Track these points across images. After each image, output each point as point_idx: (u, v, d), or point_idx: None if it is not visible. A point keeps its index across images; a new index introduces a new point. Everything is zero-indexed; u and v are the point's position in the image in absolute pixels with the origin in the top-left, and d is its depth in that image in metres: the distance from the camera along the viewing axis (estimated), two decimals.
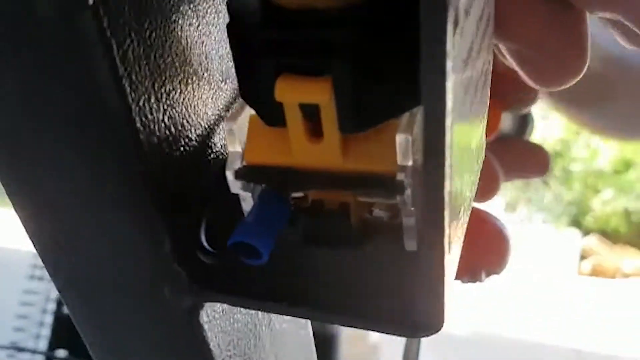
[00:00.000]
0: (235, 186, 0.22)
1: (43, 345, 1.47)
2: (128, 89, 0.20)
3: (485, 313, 3.15)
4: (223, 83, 0.25)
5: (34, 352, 1.46)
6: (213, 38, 0.24)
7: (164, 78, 0.22)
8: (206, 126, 0.25)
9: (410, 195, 0.20)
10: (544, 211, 5.34)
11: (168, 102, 0.22)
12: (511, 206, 5.22)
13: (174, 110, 0.22)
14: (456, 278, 0.41)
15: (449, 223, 0.19)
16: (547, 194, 5.48)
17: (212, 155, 0.25)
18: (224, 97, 0.26)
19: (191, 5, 0.23)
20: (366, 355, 1.66)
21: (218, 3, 0.24)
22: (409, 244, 0.22)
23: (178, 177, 0.23)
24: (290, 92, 0.19)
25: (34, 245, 0.25)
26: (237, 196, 0.23)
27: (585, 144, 5.37)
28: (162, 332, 0.26)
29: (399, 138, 0.20)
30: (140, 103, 0.21)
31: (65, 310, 0.29)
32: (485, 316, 3.13)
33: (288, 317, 0.34)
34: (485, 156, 0.29)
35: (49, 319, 1.50)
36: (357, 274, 0.24)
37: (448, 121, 0.17)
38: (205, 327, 0.26)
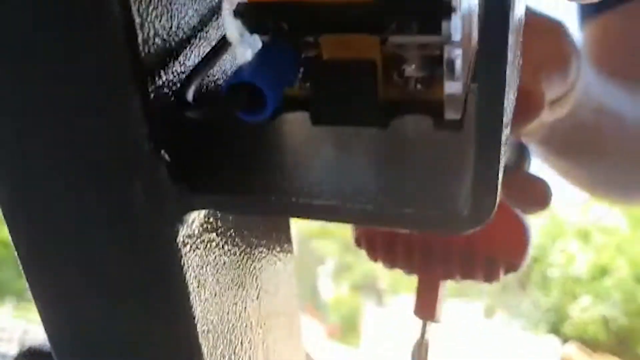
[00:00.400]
0: (232, 29, 0.17)
1: None
2: None
3: None
4: None
5: None
6: None
7: None
8: None
9: (460, 23, 0.16)
10: (523, 317, 5.26)
11: None
12: (489, 312, 5.15)
13: None
14: (469, 277, 0.36)
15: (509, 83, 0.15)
16: (525, 299, 5.43)
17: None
18: None
19: None
20: None
21: None
22: (450, 112, 0.18)
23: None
24: None
25: None
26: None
27: (562, 249, 5.38)
28: (125, 256, 0.21)
29: None
30: None
31: None
32: None
33: (282, 290, 0.28)
34: None
35: None
36: (378, 160, 0.19)
37: None
38: (184, 253, 0.21)
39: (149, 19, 0.18)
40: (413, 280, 0.37)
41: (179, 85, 0.19)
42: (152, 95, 0.18)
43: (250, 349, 0.26)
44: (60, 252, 0.21)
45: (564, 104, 0.40)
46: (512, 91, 0.17)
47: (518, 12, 0.15)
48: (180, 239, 0.20)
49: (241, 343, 0.25)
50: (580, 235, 5.32)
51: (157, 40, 0.18)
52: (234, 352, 0.24)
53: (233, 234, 0.23)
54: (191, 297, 0.21)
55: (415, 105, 0.18)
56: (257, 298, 0.26)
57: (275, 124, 0.21)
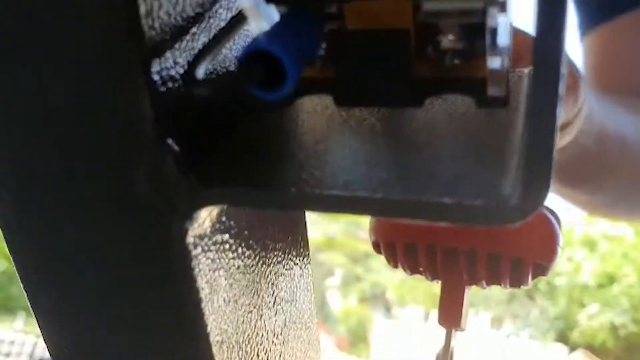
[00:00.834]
0: None
1: None
2: None
3: None
4: None
5: None
6: None
7: None
8: None
9: None
10: (531, 326, 5.24)
11: None
12: (497, 322, 5.12)
13: None
14: (495, 282, 0.34)
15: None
16: (532, 309, 5.41)
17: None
18: None
19: None
20: None
21: None
22: (494, 88, 0.16)
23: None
24: None
25: None
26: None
27: (568, 258, 5.36)
28: (130, 258, 0.19)
29: None
30: None
31: None
32: None
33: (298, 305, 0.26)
34: None
35: None
36: (412, 145, 0.17)
37: None
38: (195, 255, 0.18)
39: None
40: (421, 291, 0.35)
41: (187, 65, 0.17)
42: (157, 76, 0.16)
43: None
44: (60, 254, 0.19)
45: (572, 129, 0.39)
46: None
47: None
48: (190, 239, 0.18)
49: (257, 355, 0.23)
50: (587, 244, 5.31)
51: (161, 14, 0.16)
52: None
53: (247, 235, 0.21)
54: (203, 304, 0.19)
55: (453, 82, 0.16)
56: (274, 305, 0.24)
57: (293, 108, 0.19)
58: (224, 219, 0.20)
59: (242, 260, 0.21)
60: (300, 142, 0.18)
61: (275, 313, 0.24)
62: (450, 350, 0.35)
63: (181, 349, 0.19)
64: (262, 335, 0.23)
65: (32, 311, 0.20)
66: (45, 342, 0.21)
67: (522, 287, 0.33)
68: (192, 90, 0.16)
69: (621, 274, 5.23)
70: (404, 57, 0.16)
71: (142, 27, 0.16)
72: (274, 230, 0.24)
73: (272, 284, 0.24)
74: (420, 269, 0.34)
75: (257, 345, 0.23)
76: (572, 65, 0.35)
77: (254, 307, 0.23)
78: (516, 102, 0.17)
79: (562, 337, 5.22)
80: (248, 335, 0.22)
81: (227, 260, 0.20)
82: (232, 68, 0.15)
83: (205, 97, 0.16)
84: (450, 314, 0.35)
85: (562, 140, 0.40)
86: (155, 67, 0.16)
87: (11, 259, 0.19)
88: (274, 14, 0.16)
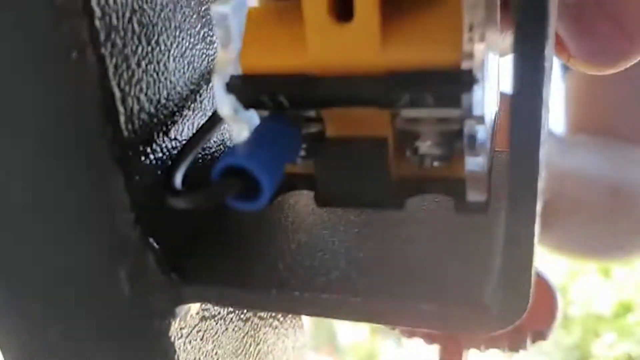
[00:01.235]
0: (225, 105, 0.15)
1: None
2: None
3: None
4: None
5: None
6: None
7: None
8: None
9: (481, 95, 0.14)
10: (544, 356, 5.16)
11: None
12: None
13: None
14: (494, 347, 0.34)
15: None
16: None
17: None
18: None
19: None
20: None
21: None
22: (473, 193, 0.16)
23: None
24: None
25: None
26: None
27: (583, 287, 5.30)
28: (113, 353, 0.19)
29: (467, 12, 0.14)
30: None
31: None
32: None
33: None
34: None
35: None
36: (392, 245, 0.17)
37: None
38: (177, 347, 0.18)
39: (132, 93, 0.16)
40: None
41: (169, 163, 0.17)
42: (137, 176, 0.16)
43: None
44: (45, 351, 0.19)
45: None
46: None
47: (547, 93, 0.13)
48: (172, 332, 0.18)
49: None
50: (601, 272, 5.24)
51: (142, 115, 0.16)
52: None
53: (234, 318, 0.21)
54: None
55: (433, 184, 0.16)
56: None
57: (276, 203, 0.19)
58: (209, 306, 0.20)
59: (230, 344, 0.21)
60: (282, 238, 0.18)
61: None
62: None
63: None
64: None
65: None
66: None
67: (521, 352, 0.33)
68: (170, 202, 0.16)
69: (637, 303, 5.15)
70: (381, 164, 0.16)
71: (122, 131, 0.16)
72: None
73: None
74: (419, 333, 0.34)
75: None
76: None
77: None
78: (498, 199, 0.16)
79: None
80: None
81: (212, 346, 0.20)
82: (210, 175, 0.15)
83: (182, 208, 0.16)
84: None
85: None
86: (134, 168, 0.16)
87: None
88: (254, 118, 0.16)
